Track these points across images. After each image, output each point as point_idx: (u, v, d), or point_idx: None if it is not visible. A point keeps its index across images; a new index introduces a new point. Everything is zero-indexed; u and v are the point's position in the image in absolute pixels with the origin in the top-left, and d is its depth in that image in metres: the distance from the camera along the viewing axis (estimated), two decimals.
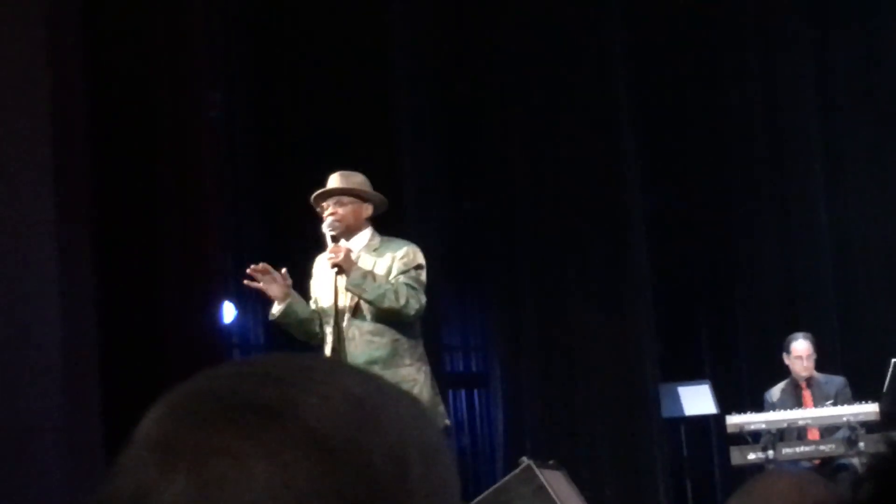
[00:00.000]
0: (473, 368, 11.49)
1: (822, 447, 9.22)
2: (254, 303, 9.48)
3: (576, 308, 10.99)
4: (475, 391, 11.31)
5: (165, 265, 7.13)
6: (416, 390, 6.15)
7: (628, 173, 11.25)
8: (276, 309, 6.35)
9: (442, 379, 10.21)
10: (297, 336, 6.50)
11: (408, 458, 0.86)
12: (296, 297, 6.38)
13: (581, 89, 11.12)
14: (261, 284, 6.32)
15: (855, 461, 8.96)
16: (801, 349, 9.78)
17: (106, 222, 6.59)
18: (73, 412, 5.85)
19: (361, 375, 0.91)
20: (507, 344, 11.02)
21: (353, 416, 0.86)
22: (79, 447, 5.82)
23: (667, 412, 10.90)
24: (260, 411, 0.85)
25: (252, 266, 6.32)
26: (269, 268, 6.32)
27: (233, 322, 9.23)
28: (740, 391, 11.23)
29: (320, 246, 6.51)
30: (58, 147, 5.95)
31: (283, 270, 6.34)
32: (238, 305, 9.31)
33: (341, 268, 6.24)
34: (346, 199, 6.41)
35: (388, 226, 6.68)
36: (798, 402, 9.66)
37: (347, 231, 6.39)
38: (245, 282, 6.36)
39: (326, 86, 9.85)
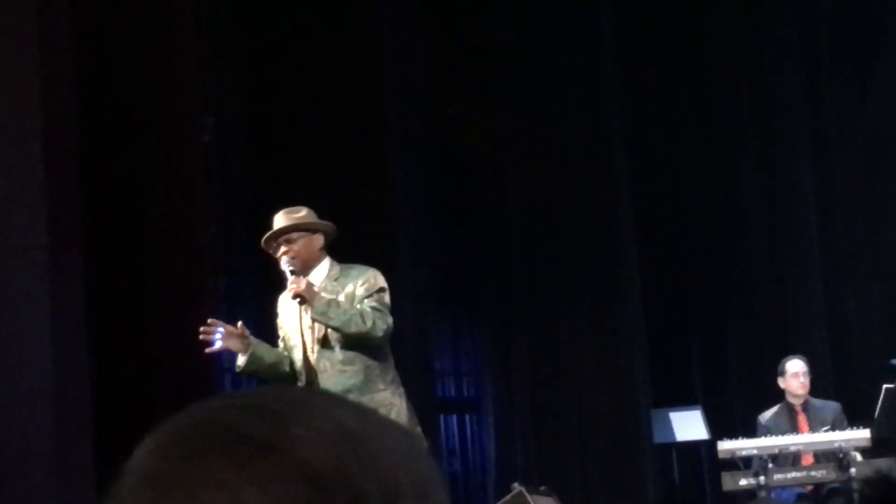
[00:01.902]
0: (465, 394, 11.48)
1: (813, 473, 9.21)
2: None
3: (567, 334, 10.99)
4: (466, 416, 11.29)
5: (157, 289, 7.13)
6: (393, 414, 6.13)
7: (620, 200, 11.26)
8: (241, 360, 6.27)
9: (433, 404, 10.21)
10: (269, 379, 6.41)
11: (400, 491, 0.86)
12: (258, 344, 6.33)
13: (572, 113, 11.14)
14: (219, 345, 6.23)
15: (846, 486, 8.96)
16: (796, 367, 9.83)
17: (98, 247, 6.59)
18: (64, 437, 5.83)
19: (355, 408, 0.91)
20: (499, 369, 11.01)
21: (345, 449, 0.86)
22: (70, 472, 5.81)
23: (658, 438, 10.89)
24: (252, 444, 0.84)
25: (202, 328, 6.18)
26: (220, 322, 6.22)
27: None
28: (732, 417, 11.22)
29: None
30: (50, 171, 5.95)
31: (240, 324, 6.27)
32: None
33: (304, 298, 6.21)
34: (294, 235, 6.35)
35: (379, 253, 6.67)
36: (793, 427, 9.66)
37: (305, 266, 6.34)
38: (206, 350, 6.25)
39: (318, 110, 9.86)
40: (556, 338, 10.98)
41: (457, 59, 11.24)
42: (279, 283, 6.45)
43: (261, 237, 6.41)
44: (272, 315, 6.59)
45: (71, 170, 6.18)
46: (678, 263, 12.09)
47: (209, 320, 6.23)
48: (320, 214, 6.49)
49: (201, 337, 6.18)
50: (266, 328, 6.54)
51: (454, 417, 11.26)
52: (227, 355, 9.30)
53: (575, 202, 11.07)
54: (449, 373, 11.39)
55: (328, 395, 0.93)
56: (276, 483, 0.83)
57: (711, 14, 12.16)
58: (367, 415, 0.91)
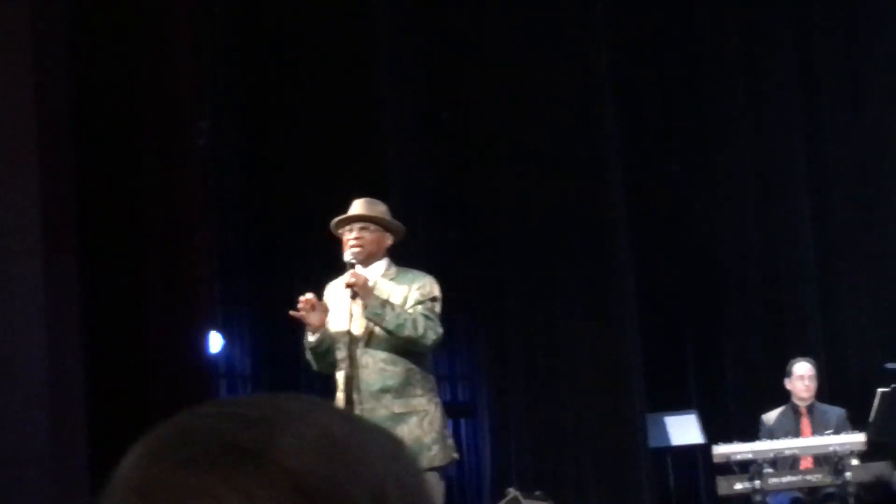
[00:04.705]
0: (460, 398, 11.47)
1: (808, 477, 9.21)
2: (240, 333, 9.46)
3: (562, 338, 10.99)
4: (462, 421, 11.29)
5: (152, 294, 7.12)
6: (426, 421, 6.15)
7: (615, 204, 11.26)
8: (314, 337, 6.26)
9: None
10: (321, 367, 6.40)
11: (387, 499, 0.86)
12: (327, 325, 6.35)
13: (565, 113, 11.14)
14: (301, 314, 6.26)
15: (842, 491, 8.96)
16: (802, 370, 9.83)
17: (92, 251, 6.58)
18: (58, 443, 5.83)
19: (340, 415, 0.91)
20: (494, 374, 11.01)
21: (331, 456, 0.85)
22: (65, 476, 5.80)
23: (654, 442, 10.89)
24: (238, 452, 0.84)
25: (303, 298, 6.23)
26: (315, 300, 6.26)
27: (219, 352, 9.21)
28: (727, 421, 11.22)
29: (307, 276, 6.50)
30: (45, 176, 5.95)
31: (325, 300, 6.31)
32: (225, 335, 9.29)
33: (356, 292, 6.20)
34: (372, 226, 6.41)
35: None
36: (796, 429, 9.65)
37: (368, 258, 6.36)
38: (290, 312, 6.27)
39: (314, 114, 9.87)
40: (551, 342, 10.98)
41: (453, 62, 11.24)
42: (273, 288, 6.44)
43: (255, 240, 6.43)
44: (268, 316, 6.58)
45: (65, 173, 6.17)
46: (673, 268, 12.09)
47: (310, 295, 6.25)
48: (315, 219, 6.50)
49: (300, 304, 6.20)
50: (260, 329, 6.53)
51: (449, 422, 11.25)
52: (225, 357, 9.31)
53: (569, 207, 11.07)
54: (444, 377, 11.36)
55: (314, 402, 0.93)
56: (261, 491, 0.83)
57: (704, 4, 12.18)
58: (353, 422, 0.91)
